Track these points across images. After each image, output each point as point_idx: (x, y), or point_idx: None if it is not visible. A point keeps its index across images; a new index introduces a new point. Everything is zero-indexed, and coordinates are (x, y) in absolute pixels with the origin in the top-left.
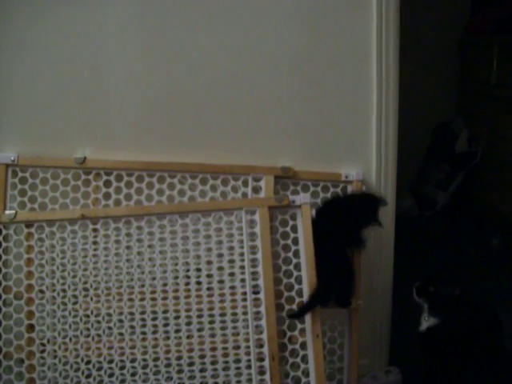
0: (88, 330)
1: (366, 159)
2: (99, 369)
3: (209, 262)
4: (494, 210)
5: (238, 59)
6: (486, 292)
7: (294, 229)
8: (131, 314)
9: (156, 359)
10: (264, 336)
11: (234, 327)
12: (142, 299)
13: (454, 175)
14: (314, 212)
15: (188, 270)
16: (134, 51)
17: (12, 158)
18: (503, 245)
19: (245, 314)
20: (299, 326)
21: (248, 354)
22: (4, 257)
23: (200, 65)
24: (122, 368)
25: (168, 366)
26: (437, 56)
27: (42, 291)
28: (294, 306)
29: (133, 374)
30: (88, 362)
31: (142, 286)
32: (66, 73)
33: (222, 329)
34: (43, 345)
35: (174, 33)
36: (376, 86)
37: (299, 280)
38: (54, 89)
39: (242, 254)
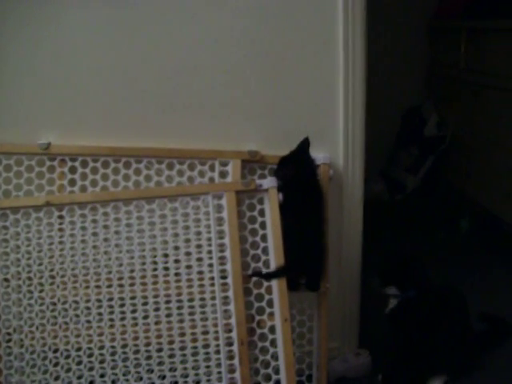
0: (55, 317)
1: (333, 143)
2: (67, 357)
3: (176, 248)
4: (463, 193)
5: (203, 44)
6: (455, 273)
7: (262, 213)
8: (98, 300)
9: (124, 346)
10: (232, 321)
11: (203, 312)
12: (110, 286)
13: (423, 159)
14: (281, 196)
15: (155, 256)
16: (98, 36)
17: None
18: (472, 227)
19: (213, 298)
20: (268, 310)
21: (217, 338)
22: None
23: (165, 50)
24: (90, 355)
25: (136, 352)
26: (406, 40)
27: (6, 280)
28: (262, 290)
29: (101, 362)
30: (55, 351)
31: (109, 272)
32: (29, 58)
33: (191, 314)
34: (9, 334)
35: (140, 18)
36: (343, 70)
37: (267, 264)
38: (17, 74)
39: (209, 239)
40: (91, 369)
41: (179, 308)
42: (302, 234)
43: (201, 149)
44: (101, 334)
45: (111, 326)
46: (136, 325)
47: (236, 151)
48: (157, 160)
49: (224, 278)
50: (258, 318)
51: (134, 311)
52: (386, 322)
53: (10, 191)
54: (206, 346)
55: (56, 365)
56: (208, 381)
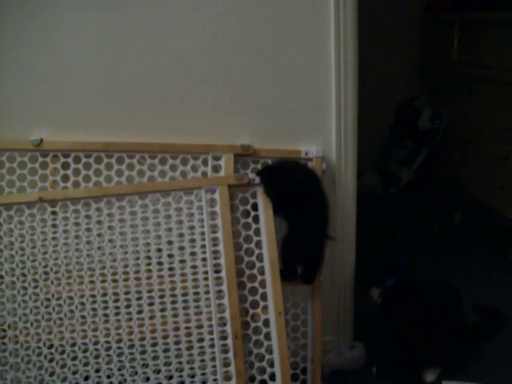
0: (49, 313)
1: (326, 136)
2: (62, 352)
3: (169, 242)
4: (457, 185)
5: (197, 38)
6: (449, 265)
7: (255, 207)
8: (93, 296)
9: (119, 341)
10: (227, 314)
11: (197, 306)
12: (103, 281)
13: (417, 152)
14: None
15: (149, 251)
16: (91, 31)
17: None
18: (466, 219)
19: (207, 292)
20: (261, 303)
21: (211, 332)
22: None
23: (158, 44)
24: (85, 351)
25: (131, 347)
26: (399, 33)
27: (1, 276)
28: (256, 284)
29: (96, 357)
30: (50, 346)
31: (103, 267)
32: (21, 54)
33: (185, 308)
34: (4, 330)
35: (132, 12)
36: (334, 63)
37: (260, 258)
38: (9, 71)
39: (202, 233)
40: (86, 364)
41: (173, 302)
42: (308, 228)
43: (193, 143)
44: (95, 330)
45: (106, 322)
46: (130, 320)
47: (229, 145)
48: (149, 155)
49: (218, 272)
50: (252, 311)
51: (128, 306)
52: (377, 318)
53: (2, 188)
54: (201, 339)
55: (51, 360)
56: (203, 374)
